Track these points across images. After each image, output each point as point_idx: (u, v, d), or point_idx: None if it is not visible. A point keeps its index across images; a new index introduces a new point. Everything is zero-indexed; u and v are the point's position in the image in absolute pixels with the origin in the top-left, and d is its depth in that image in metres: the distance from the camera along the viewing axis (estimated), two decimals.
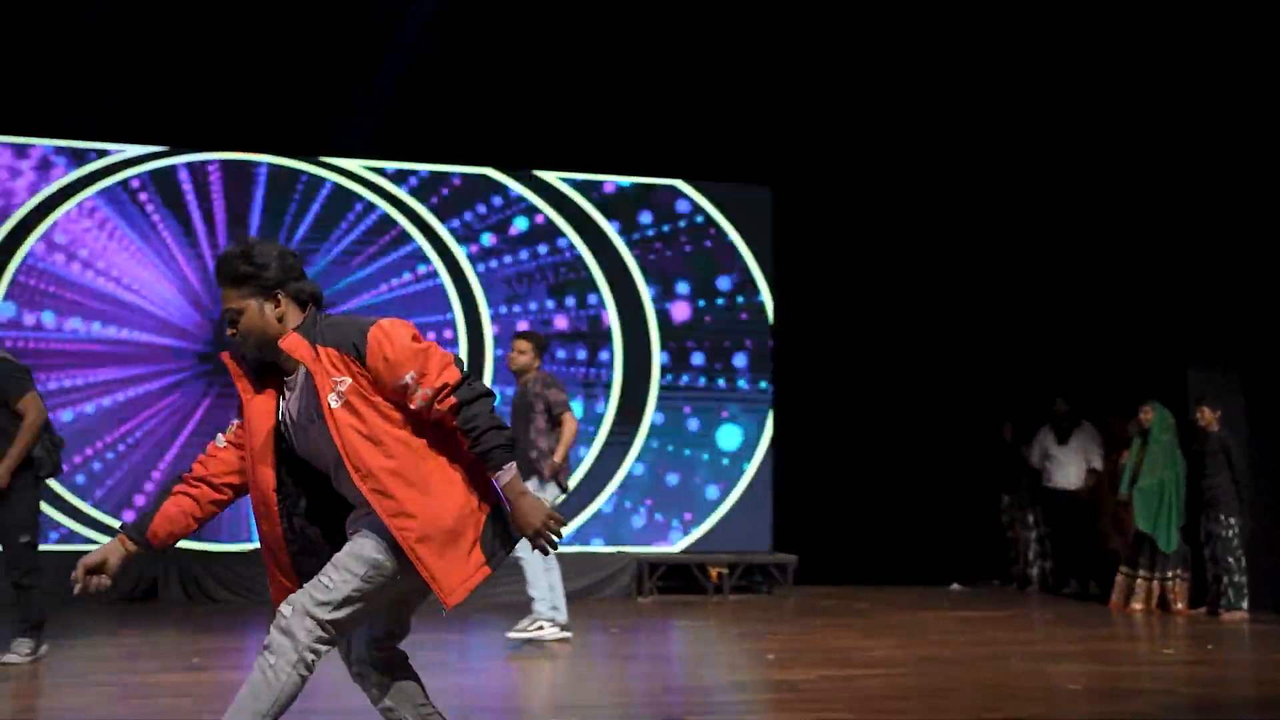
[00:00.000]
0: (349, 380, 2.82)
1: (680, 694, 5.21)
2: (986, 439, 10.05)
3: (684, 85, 9.52)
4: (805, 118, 9.75)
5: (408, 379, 2.80)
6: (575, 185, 9.55)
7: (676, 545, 9.41)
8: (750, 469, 9.53)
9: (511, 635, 6.43)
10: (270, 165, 9.06)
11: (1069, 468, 9.54)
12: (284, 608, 2.77)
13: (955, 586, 9.94)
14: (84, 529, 8.42)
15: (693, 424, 9.52)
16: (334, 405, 2.80)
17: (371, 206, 9.19)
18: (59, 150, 8.74)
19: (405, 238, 9.21)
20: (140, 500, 8.49)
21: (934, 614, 8.11)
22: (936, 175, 9.97)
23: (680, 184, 9.72)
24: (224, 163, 9.00)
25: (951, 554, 10.06)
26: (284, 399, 2.92)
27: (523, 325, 9.09)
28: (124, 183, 8.82)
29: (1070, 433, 9.56)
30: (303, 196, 9.09)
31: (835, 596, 9.14)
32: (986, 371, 10.08)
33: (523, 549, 6.06)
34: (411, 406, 2.81)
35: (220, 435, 2.99)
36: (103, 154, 8.79)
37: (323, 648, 2.77)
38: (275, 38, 8.74)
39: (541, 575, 6.40)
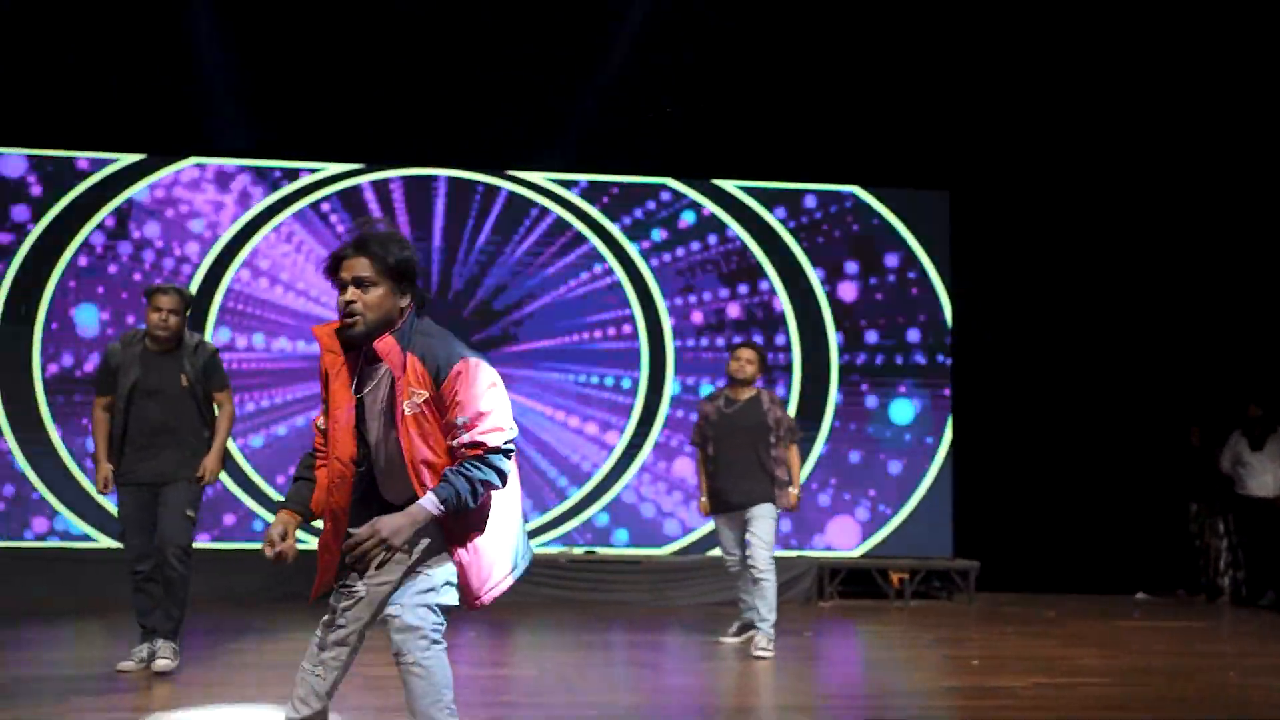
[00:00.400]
0: (425, 394, 3.07)
1: (901, 696, 5.28)
2: (1173, 444, 9.82)
3: (858, 92, 9.60)
4: (982, 121, 9.70)
5: (460, 421, 3.06)
6: (753, 194, 9.66)
7: (856, 550, 9.45)
8: (930, 474, 9.51)
9: (726, 641, 6.63)
10: (448, 178, 9.41)
11: (1264, 475, 9.27)
12: (393, 611, 3.06)
13: (1140, 595, 9.75)
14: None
15: (870, 401, 9.56)
16: (407, 412, 3.07)
17: (546, 212, 9.46)
18: (256, 175, 9.22)
19: (580, 239, 9.46)
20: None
21: (1128, 624, 7.98)
22: (1122, 172, 9.79)
23: (857, 190, 9.75)
24: (405, 178, 9.38)
25: (1136, 562, 9.86)
26: (365, 381, 3.17)
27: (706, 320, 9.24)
28: (314, 205, 9.27)
29: (1265, 439, 9.30)
30: (480, 207, 9.41)
31: (1019, 603, 9.05)
32: (1174, 374, 9.84)
33: (768, 569, 6.25)
34: (446, 439, 3.10)
35: (319, 417, 3.29)
36: (293, 175, 9.24)
37: (442, 624, 3.09)
38: (454, 56, 9.14)
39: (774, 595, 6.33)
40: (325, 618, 3.24)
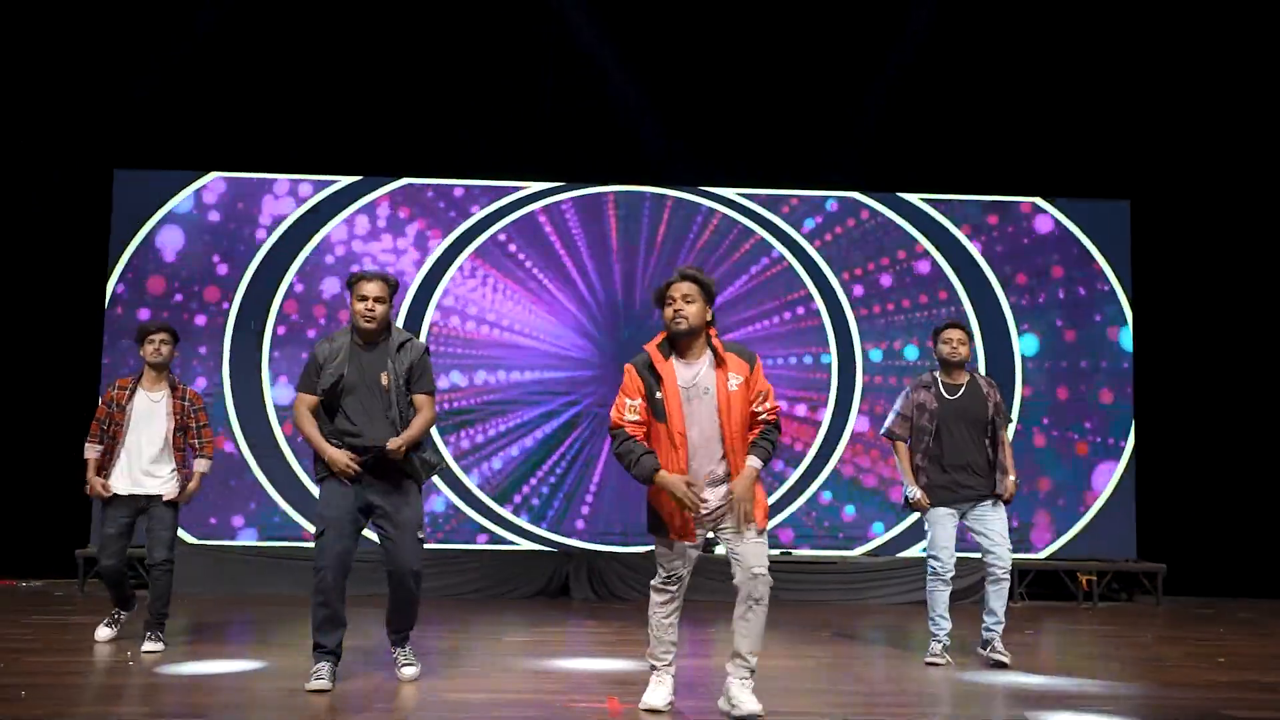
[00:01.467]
0: (741, 379, 4.58)
1: (1179, 690, 5.50)
2: None
3: (1039, 102, 9.86)
4: (1161, 129, 9.90)
5: (756, 399, 4.64)
6: (935, 205, 9.94)
7: (1043, 553, 9.68)
8: (1113, 478, 9.70)
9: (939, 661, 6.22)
10: (616, 193, 9.81)
11: None
12: (760, 571, 4.52)
13: None
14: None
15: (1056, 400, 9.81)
16: (731, 388, 4.55)
17: (712, 213, 9.82)
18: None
19: (766, 247, 9.82)
20: (584, 510, 9.52)
21: None
22: None
23: (1039, 201, 9.99)
24: (575, 199, 9.79)
25: None
26: (682, 374, 4.58)
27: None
28: (493, 238, 9.72)
29: None
30: (650, 220, 9.81)
31: (1207, 606, 9.21)
32: None
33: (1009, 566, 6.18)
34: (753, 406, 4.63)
35: (630, 413, 4.60)
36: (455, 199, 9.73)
37: None
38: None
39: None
40: (663, 577, 4.66)
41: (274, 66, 9.59)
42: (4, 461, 9.32)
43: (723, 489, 4.62)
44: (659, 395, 4.58)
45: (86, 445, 6.16)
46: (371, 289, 5.16)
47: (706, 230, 9.83)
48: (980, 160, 9.99)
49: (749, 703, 4.52)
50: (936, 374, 6.30)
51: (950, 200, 9.96)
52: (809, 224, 9.88)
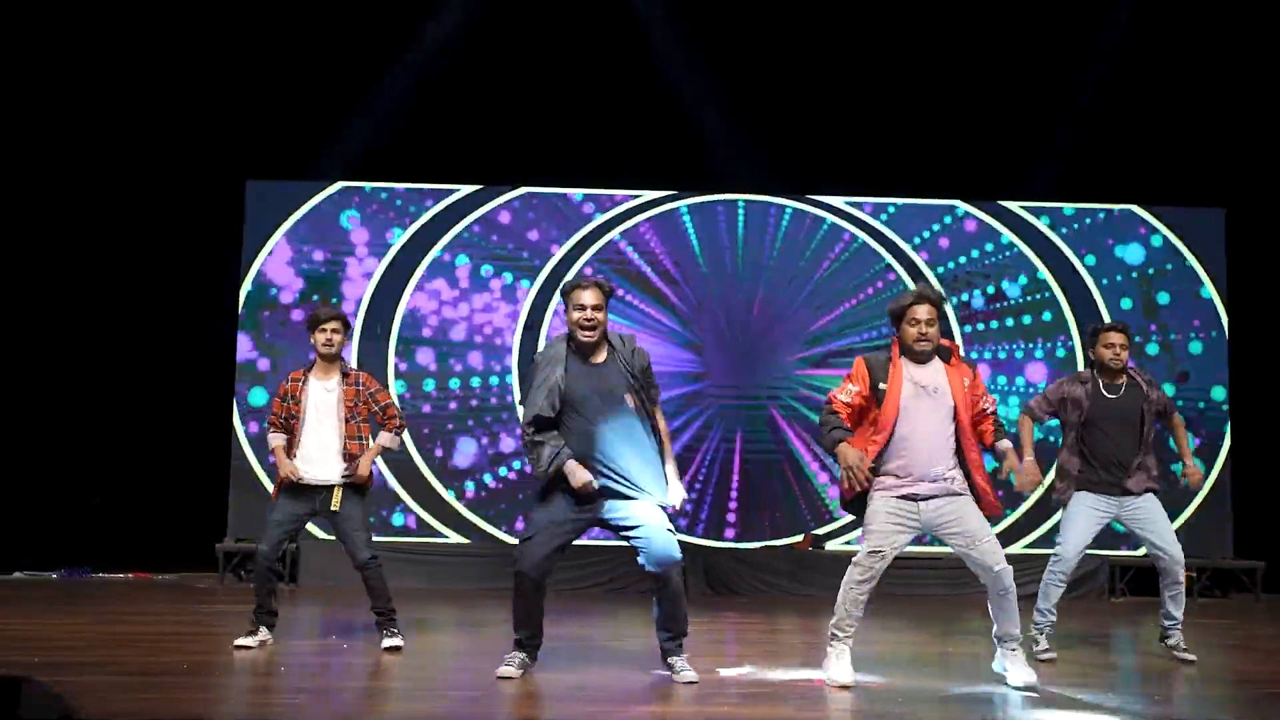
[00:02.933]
0: (969, 381, 5.08)
1: None
2: None
3: (1135, 111, 10.18)
4: (1257, 137, 10.21)
5: (980, 399, 5.17)
6: (1034, 212, 10.26)
7: (1141, 549, 9.93)
8: (1210, 476, 9.99)
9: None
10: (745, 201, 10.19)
11: None
12: (1000, 567, 4.97)
13: None
14: None
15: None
16: (966, 386, 5.05)
17: (819, 223, 10.17)
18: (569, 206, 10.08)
19: (862, 246, 10.17)
20: (732, 506, 9.88)
21: None
22: None
23: (1135, 209, 10.30)
24: (692, 205, 10.17)
25: None
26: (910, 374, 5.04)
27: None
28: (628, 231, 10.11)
29: None
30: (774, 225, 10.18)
31: None
32: None
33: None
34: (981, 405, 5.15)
35: (844, 394, 5.07)
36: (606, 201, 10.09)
37: None
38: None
39: None
40: (863, 561, 5.03)
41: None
42: (144, 458, 9.68)
43: (941, 486, 5.01)
44: (882, 387, 5.01)
45: (270, 436, 6.06)
46: (589, 297, 5.04)
47: (822, 239, 10.18)
48: (1077, 167, 10.30)
49: (1021, 674, 5.06)
50: (1094, 373, 6.20)
51: (1047, 208, 10.27)
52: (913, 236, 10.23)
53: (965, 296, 10.16)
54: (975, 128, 10.10)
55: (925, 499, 5.00)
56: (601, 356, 5.09)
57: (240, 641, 5.77)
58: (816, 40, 10.05)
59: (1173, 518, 9.84)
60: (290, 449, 5.99)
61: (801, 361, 10.03)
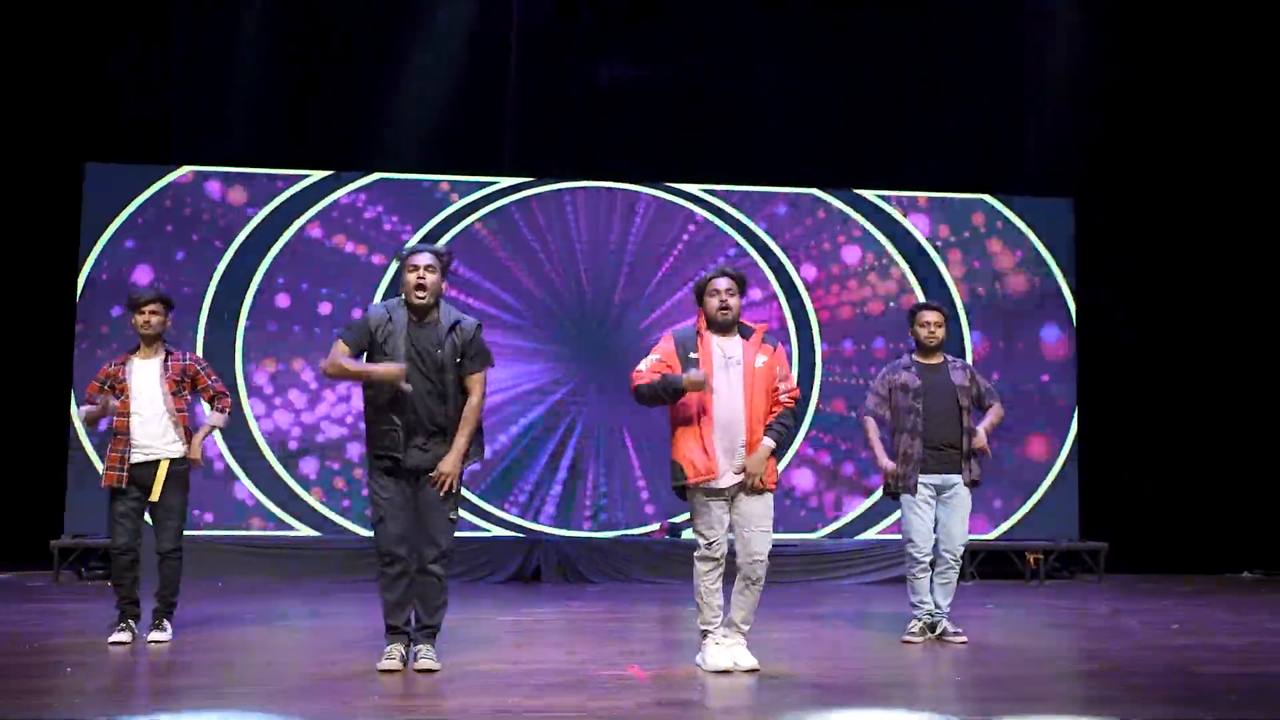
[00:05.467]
0: (766, 358, 5.12)
1: (1168, 652, 5.93)
2: None
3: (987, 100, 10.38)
4: (1105, 129, 10.46)
5: (778, 379, 5.16)
6: (891, 203, 10.38)
7: (991, 534, 10.14)
8: (1059, 460, 10.21)
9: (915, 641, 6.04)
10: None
11: None
12: (761, 558, 5.03)
13: (1246, 574, 10.40)
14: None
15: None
16: (757, 365, 5.07)
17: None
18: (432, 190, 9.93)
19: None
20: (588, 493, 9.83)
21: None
22: (1242, 170, 10.49)
23: (986, 197, 10.48)
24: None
25: (1244, 541, 10.50)
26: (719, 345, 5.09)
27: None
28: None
29: None
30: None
31: (1149, 582, 9.71)
32: None
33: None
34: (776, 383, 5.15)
35: (644, 364, 5.10)
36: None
37: None
38: None
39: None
40: (705, 543, 5.05)
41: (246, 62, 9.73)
42: None
43: (740, 459, 5.05)
44: (694, 356, 5.05)
45: (79, 410, 5.95)
46: (422, 259, 5.08)
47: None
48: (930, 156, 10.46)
49: (747, 659, 5.08)
50: (913, 355, 6.25)
51: (904, 197, 10.40)
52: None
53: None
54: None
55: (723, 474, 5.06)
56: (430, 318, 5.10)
57: (115, 638, 5.74)
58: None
59: (1023, 500, 10.15)
60: (119, 435, 5.90)
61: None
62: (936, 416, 6.04)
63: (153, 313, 5.92)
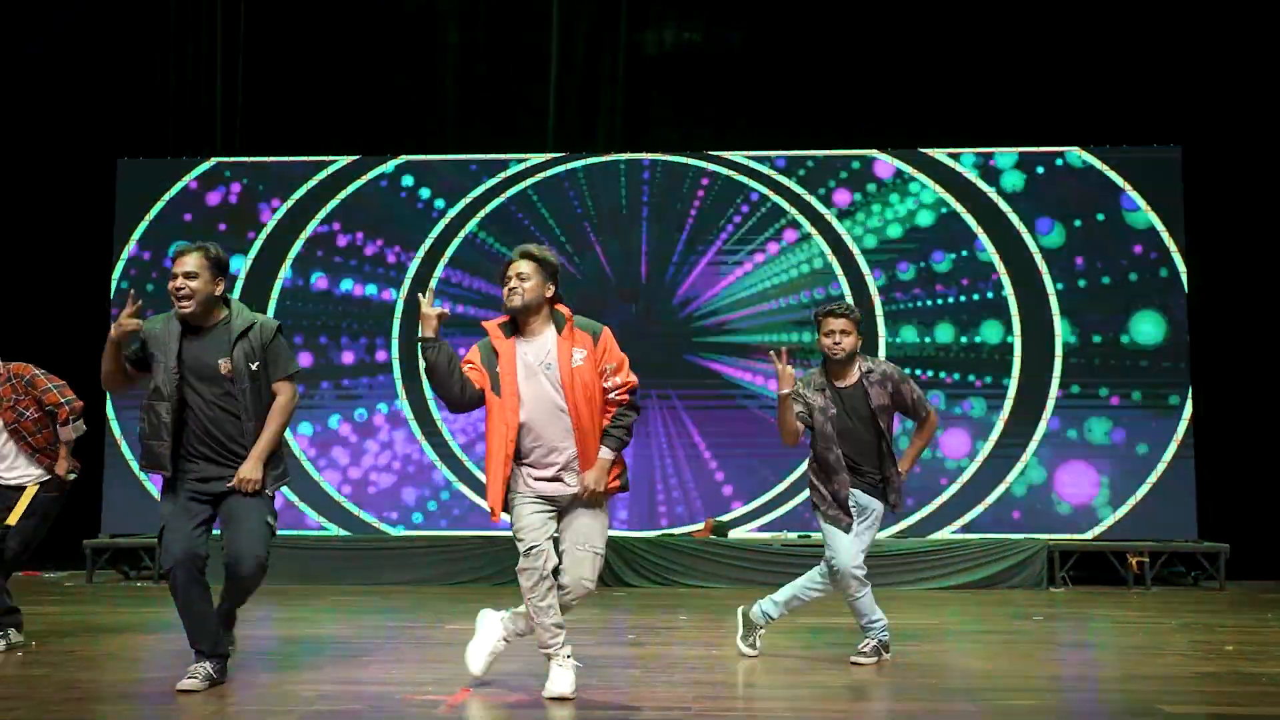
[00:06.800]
0: (586, 352, 4.28)
1: (1141, 680, 4.87)
2: None
3: (1081, 49, 9.15)
4: (1214, 74, 9.06)
5: (605, 373, 4.33)
6: (970, 163, 9.25)
7: (1089, 533, 8.89)
8: (1168, 453, 8.86)
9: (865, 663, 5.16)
10: None
11: None
12: (591, 586, 4.28)
13: None
14: None
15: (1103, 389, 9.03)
16: (575, 363, 4.25)
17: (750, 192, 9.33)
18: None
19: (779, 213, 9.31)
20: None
21: None
22: None
23: (1078, 150, 9.21)
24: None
25: None
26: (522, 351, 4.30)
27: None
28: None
29: None
30: None
31: (1276, 590, 8.31)
32: None
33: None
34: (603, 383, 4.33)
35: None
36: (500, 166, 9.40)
37: None
38: None
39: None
40: (524, 548, 4.33)
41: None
42: None
43: (571, 473, 4.33)
44: (497, 371, 4.33)
45: None
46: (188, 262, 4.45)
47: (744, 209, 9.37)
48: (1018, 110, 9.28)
49: (562, 682, 4.34)
50: (824, 369, 5.22)
51: (983, 153, 9.25)
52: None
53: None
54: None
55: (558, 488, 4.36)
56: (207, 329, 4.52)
57: None
58: None
59: (1130, 495, 8.84)
60: None
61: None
62: (855, 445, 5.09)
63: None
